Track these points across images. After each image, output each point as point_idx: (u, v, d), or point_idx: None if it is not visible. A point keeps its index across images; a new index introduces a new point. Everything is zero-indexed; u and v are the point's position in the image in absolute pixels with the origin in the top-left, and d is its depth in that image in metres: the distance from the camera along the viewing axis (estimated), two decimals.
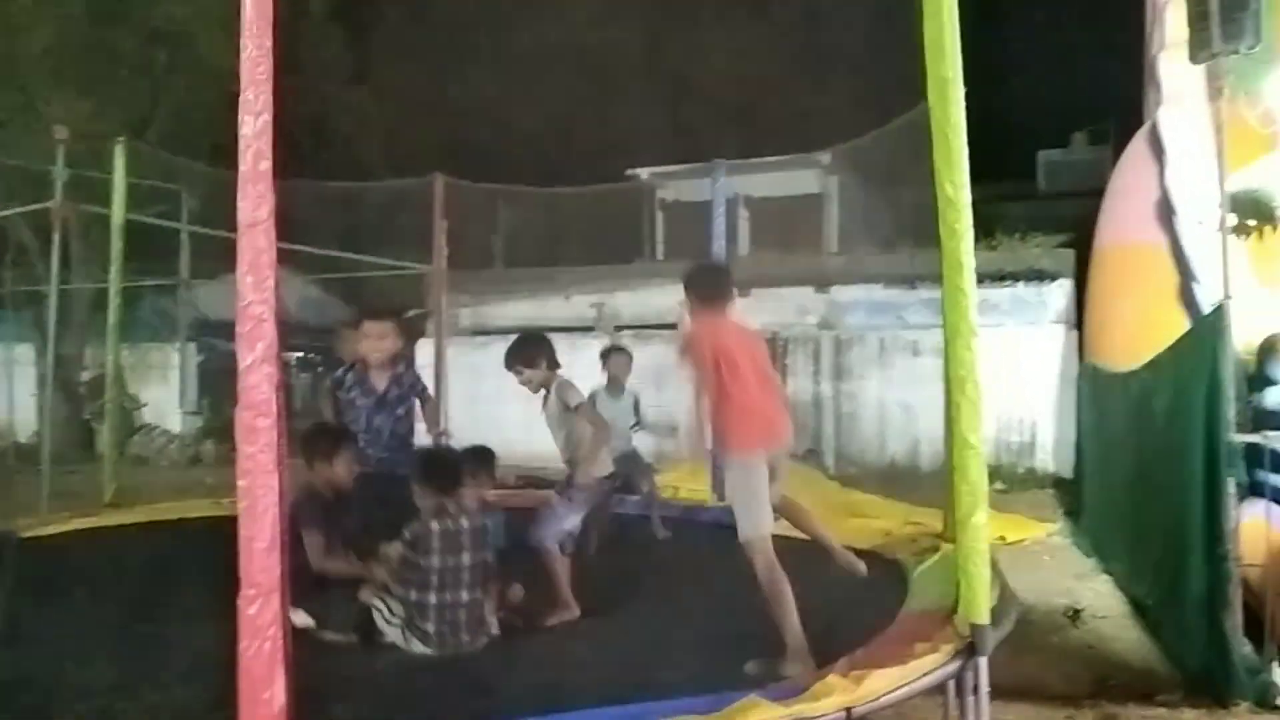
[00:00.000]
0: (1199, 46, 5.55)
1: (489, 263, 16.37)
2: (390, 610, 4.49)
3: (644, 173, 17.55)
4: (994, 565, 3.83)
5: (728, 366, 4.18)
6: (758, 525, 4.14)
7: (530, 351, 5.31)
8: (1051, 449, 11.94)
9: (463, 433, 12.05)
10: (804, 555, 4.45)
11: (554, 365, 5.34)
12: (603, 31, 18.59)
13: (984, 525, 3.34)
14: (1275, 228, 5.42)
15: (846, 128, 13.88)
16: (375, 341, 5.88)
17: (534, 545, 5.11)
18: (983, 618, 3.38)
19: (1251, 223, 5.45)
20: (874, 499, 9.69)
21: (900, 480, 11.06)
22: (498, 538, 5.15)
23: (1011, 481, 11.74)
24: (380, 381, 5.93)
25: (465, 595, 4.50)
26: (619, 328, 13.56)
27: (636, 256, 17.39)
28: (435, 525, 4.51)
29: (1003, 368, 12.13)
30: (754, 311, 13.19)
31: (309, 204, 11.56)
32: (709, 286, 4.81)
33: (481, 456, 5.66)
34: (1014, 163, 19.33)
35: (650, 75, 18.87)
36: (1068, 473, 11.33)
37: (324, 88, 16.15)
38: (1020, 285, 12.28)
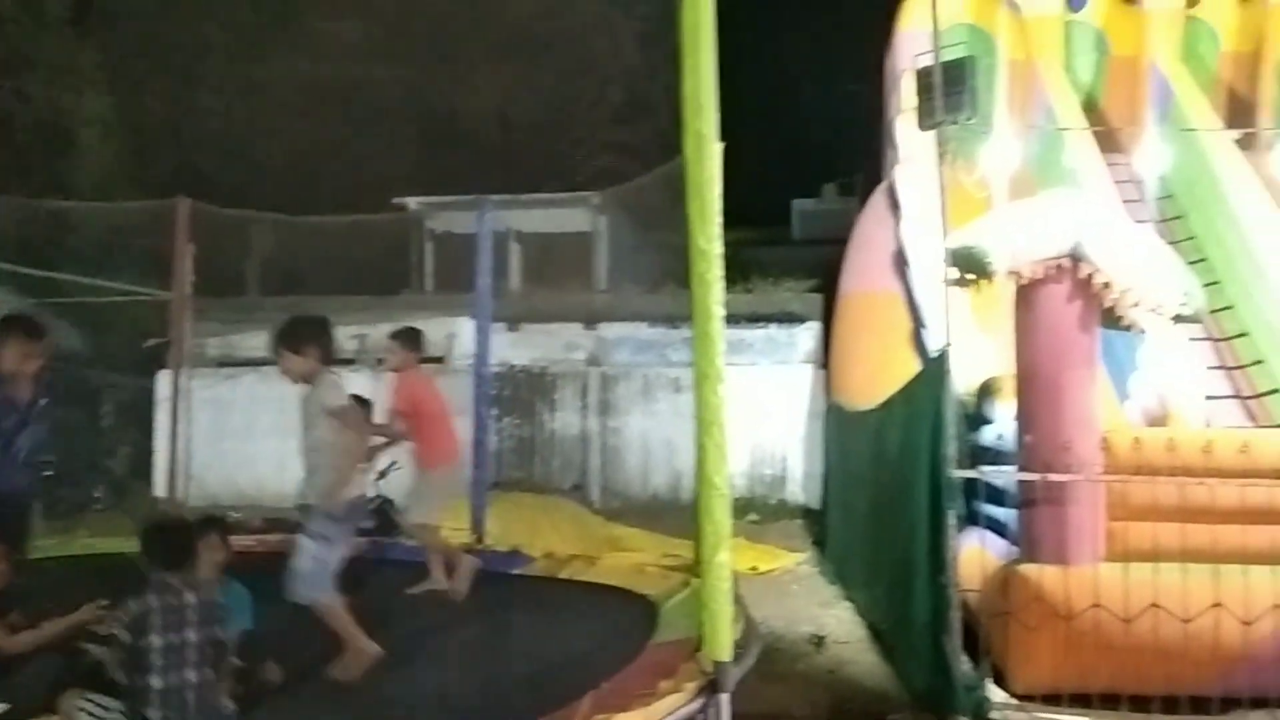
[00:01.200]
0: (925, 115, 6.11)
1: (242, 291, 15.52)
2: (102, 706, 4.06)
3: (412, 202, 17.25)
4: (739, 599, 3.99)
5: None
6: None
7: (301, 334, 4.72)
8: (801, 481, 12.62)
9: (207, 472, 11.41)
10: (562, 594, 4.47)
11: (327, 359, 4.78)
12: (372, 67, 18.22)
13: (727, 564, 3.47)
14: (991, 281, 5.97)
15: (617, 170, 14.25)
16: (18, 358, 5.11)
17: (302, 603, 4.72)
18: (725, 655, 3.51)
19: (970, 277, 5.99)
20: (636, 532, 9.88)
21: (662, 513, 11.33)
22: (244, 617, 4.73)
23: (764, 513, 12.30)
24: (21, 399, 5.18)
25: (193, 676, 4.14)
26: (381, 360, 13.17)
27: (403, 288, 17.01)
28: (156, 601, 4.12)
29: (756, 404, 12.77)
30: (524, 346, 13.22)
31: (29, 221, 10.58)
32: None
33: (212, 524, 5.09)
34: (770, 210, 20.45)
35: (422, 111, 18.63)
36: (816, 504, 12.00)
37: (59, 96, 14.84)
38: (773, 327, 12.97)
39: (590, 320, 13.46)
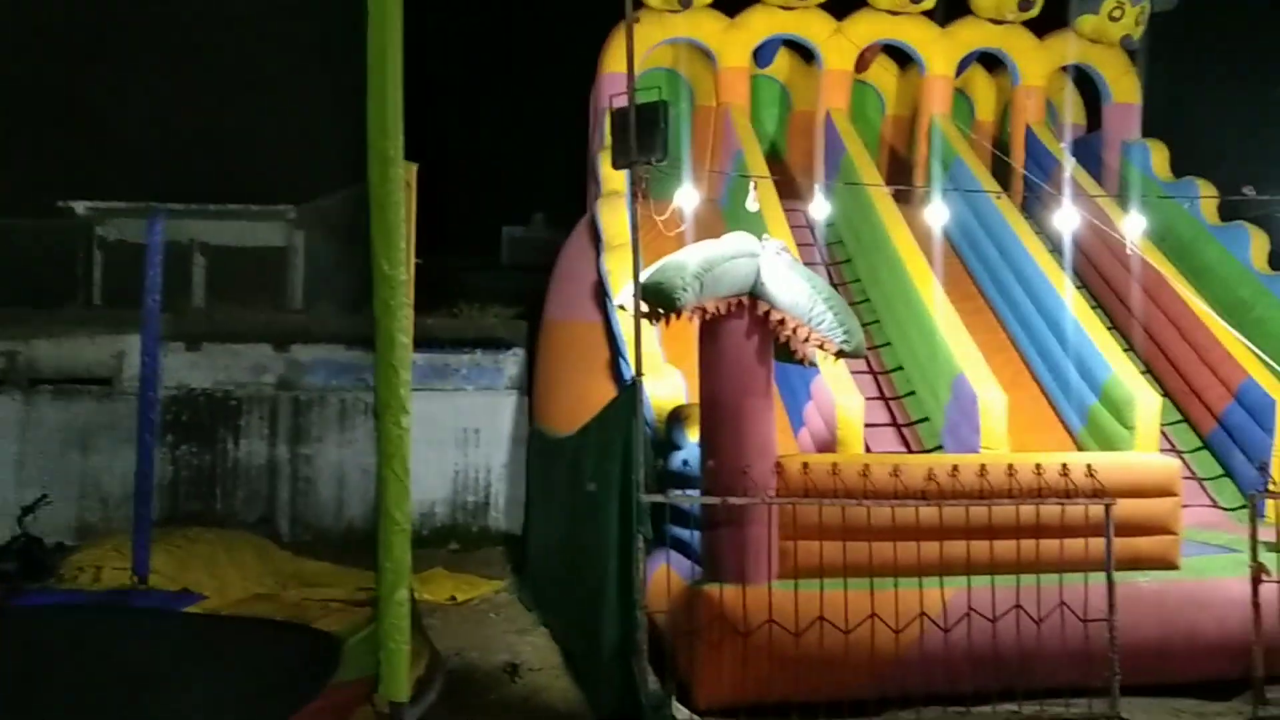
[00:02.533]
0: (619, 154, 6.33)
1: None
2: None
3: (80, 206, 15.62)
4: (425, 632, 3.89)
5: None
6: None
7: None
8: (504, 508, 12.60)
9: None
10: (234, 633, 4.16)
11: None
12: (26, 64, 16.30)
13: (406, 602, 3.37)
14: (678, 316, 6.26)
15: (318, 184, 13.64)
16: None
17: None
18: (401, 695, 3.41)
19: (661, 310, 6.25)
20: (327, 567, 9.45)
21: (359, 546, 10.90)
22: None
23: (467, 540, 12.16)
24: None
25: None
26: (36, 381, 11.78)
27: (67, 300, 15.31)
28: None
29: (461, 430, 12.64)
30: (205, 367, 12.28)
31: None
32: None
33: None
34: (482, 235, 20.39)
35: (93, 113, 16.88)
36: (518, 530, 12.02)
37: None
38: (479, 352, 12.91)
39: (282, 341, 12.75)
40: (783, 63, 13.78)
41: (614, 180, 10.94)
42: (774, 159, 13.07)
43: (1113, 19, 13.12)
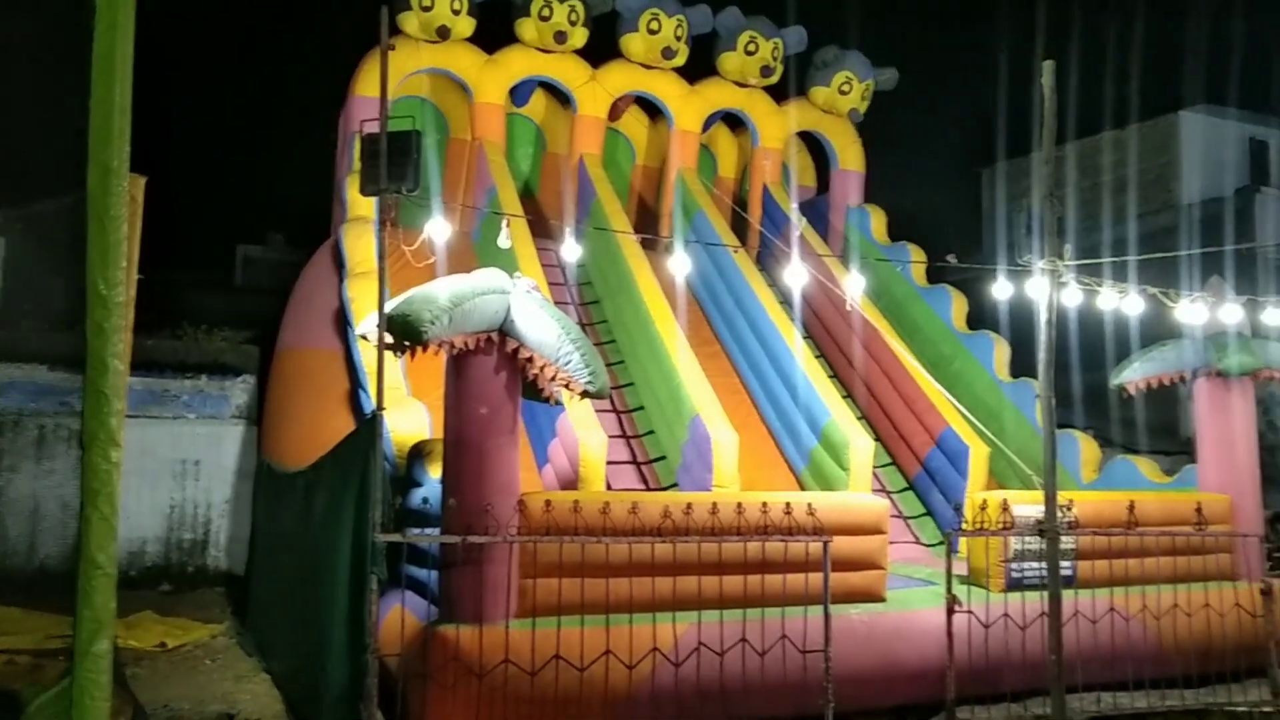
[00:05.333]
0: (368, 180, 6.16)
1: None
2: None
3: None
4: (126, 686, 3.55)
5: None
6: None
7: None
8: (225, 546, 11.78)
9: None
10: None
11: None
12: None
13: (107, 655, 3.06)
14: (424, 349, 6.14)
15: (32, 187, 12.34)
16: None
17: None
18: None
19: (407, 342, 6.10)
20: (14, 612, 8.46)
21: (52, 588, 9.81)
22: None
23: (181, 581, 11.27)
24: None
25: None
26: None
27: None
28: None
29: (180, 461, 11.72)
30: None
31: None
32: None
33: None
34: (214, 253, 19.19)
35: None
36: (241, 570, 11.27)
37: None
38: (204, 378, 12.06)
39: None
40: (539, 104, 13.98)
41: (361, 206, 10.64)
42: (527, 197, 13.20)
43: (842, 92, 14.31)
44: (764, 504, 6.97)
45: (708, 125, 14.13)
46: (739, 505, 6.93)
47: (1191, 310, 8.84)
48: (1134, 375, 9.42)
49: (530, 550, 6.31)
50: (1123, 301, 8.96)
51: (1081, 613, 7.38)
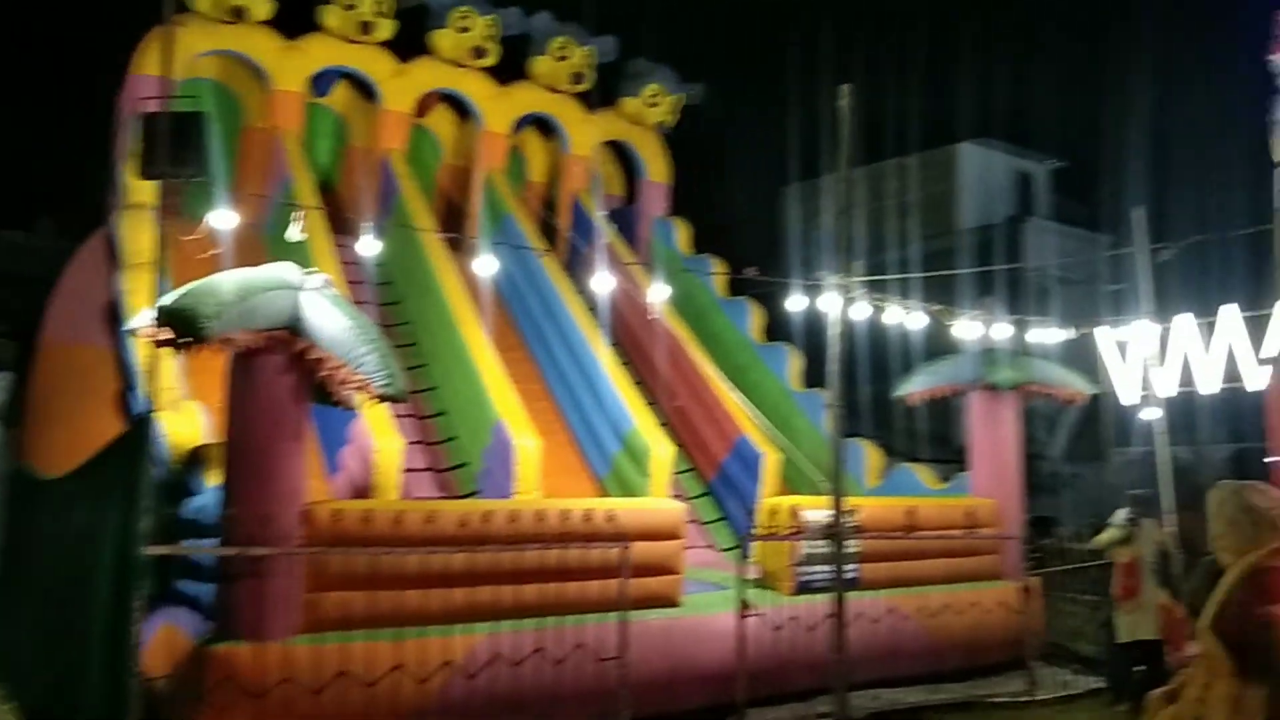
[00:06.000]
0: (147, 164, 5.71)
1: None
2: None
3: None
4: None
5: None
6: None
7: None
8: None
9: None
10: None
11: None
12: None
13: None
14: (204, 345, 5.72)
15: None
16: None
17: None
18: None
19: (185, 339, 5.67)
20: None
21: None
22: None
23: None
24: None
25: None
26: None
27: None
28: None
29: None
30: None
31: None
32: None
33: None
34: None
35: None
36: None
37: None
38: None
39: None
40: (342, 95, 13.42)
41: (140, 192, 9.87)
42: (326, 191, 12.64)
43: (651, 104, 14.52)
44: (564, 511, 6.92)
45: (518, 128, 14.01)
46: (539, 513, 6.85)
47: (967, 328, 9.46)
48: (915, 387, 10.00)
49: (317, 562, 6.00)
50: (906, 318, 9.49)
51: (864, 613, 7.73)
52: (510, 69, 13.78)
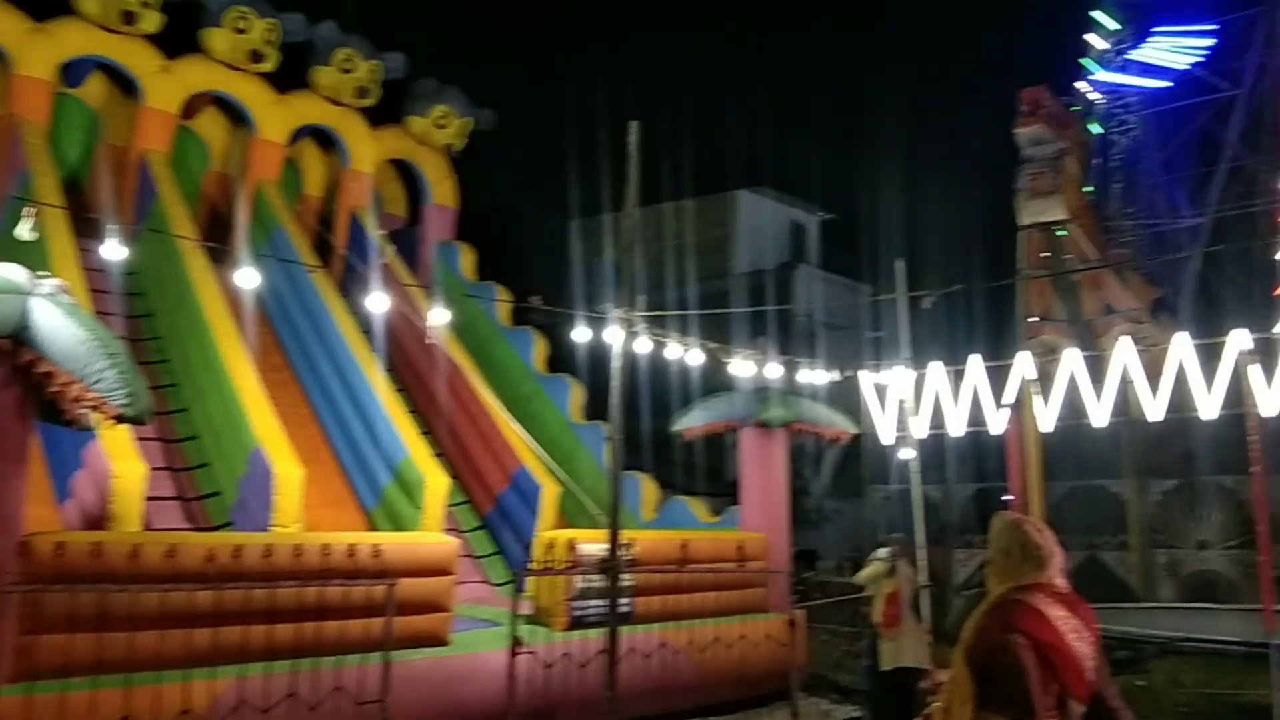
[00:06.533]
0: None
1: None
2: None
3: None
4: None
5: None
6: None
7: None
8: None
9: None
10: None
11: None
12: None
13: None
14: None
15: None
16: None
17: None
18: None
19: None
20: None
21: None
22: None
23: None
24: None
25: None
26: None
27: None
28: None
29: None
30: None
31: None
32: None
33: None
34: None
35: None
36: None
37: None
38: None
39: None
40: (98, 87, 12.31)
41: None
42: (73, 190, 11.51)
43: (439, 126, 14.20)
44: (325, 545, 6.49)
45: (295, 138, 13.32)
46: (297, 547, 6.39)
47: (742, 367, 9.71)
48: (692, 422, 10.17)
49: (34, 602, 5.31)
50: (686, 354, 9.63)
51: (636, 648, 7.69)
52: (290, 77, 13.10)
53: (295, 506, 8.25)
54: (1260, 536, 7.83)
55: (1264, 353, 7.53)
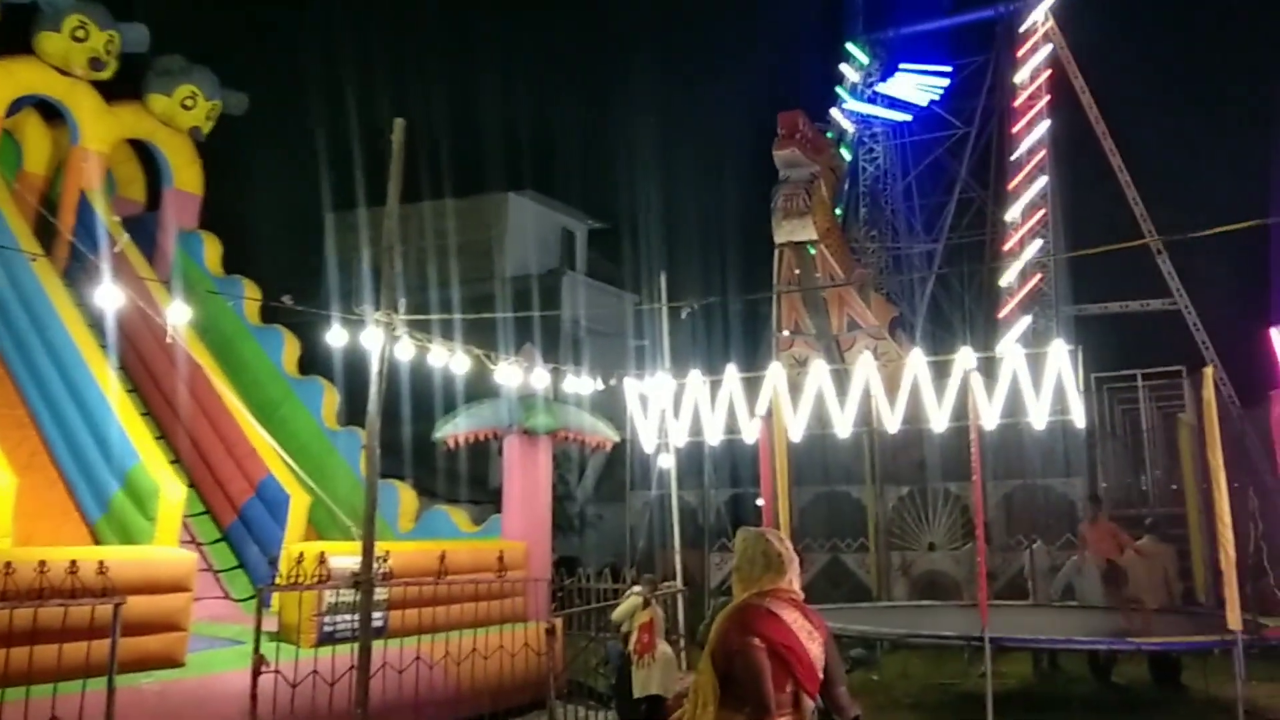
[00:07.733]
0: None
1: None
2: None
3: None
4: None
5: None
6: None
7: None
8: None
9: None
10: None
11: None
12: None
13: None
14: None
15: None
16: None
17: None
18: None
19: None
20: None
21: None
22: None
23: None
24: None
25: None
26: None
27: None
28: None
29: None
30: None
31: None
32: None
33: None
34: None
35: None
36: None
37: None
38: None
39: None
40: None
41: None
42: None
43: (185, 107, 13.18)
44: (41, 563, 5.84)
45: (14, 109, 11.96)
46: (8, 565, 5.71)
47: (508, 372, 9.61)
48: (455, 429, 9.96)
49: None
50: (450, 359, 9.41)
51: (390, 663, 7.40)
52: (10, 41, 11.76)
53: (6, 518, 7.39)
54: (978, 538, 8.59)
55: (985, 371, 8.26)
